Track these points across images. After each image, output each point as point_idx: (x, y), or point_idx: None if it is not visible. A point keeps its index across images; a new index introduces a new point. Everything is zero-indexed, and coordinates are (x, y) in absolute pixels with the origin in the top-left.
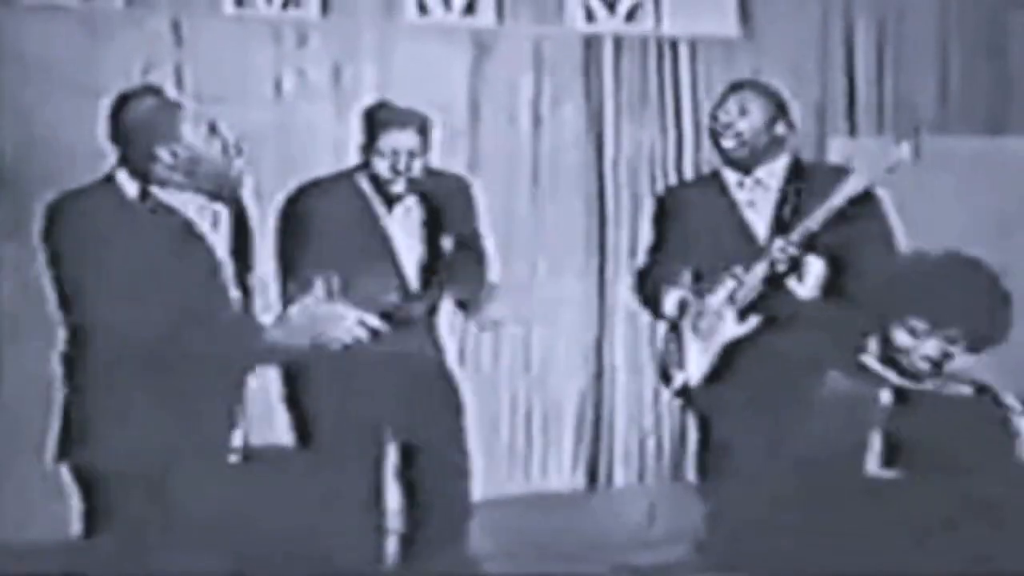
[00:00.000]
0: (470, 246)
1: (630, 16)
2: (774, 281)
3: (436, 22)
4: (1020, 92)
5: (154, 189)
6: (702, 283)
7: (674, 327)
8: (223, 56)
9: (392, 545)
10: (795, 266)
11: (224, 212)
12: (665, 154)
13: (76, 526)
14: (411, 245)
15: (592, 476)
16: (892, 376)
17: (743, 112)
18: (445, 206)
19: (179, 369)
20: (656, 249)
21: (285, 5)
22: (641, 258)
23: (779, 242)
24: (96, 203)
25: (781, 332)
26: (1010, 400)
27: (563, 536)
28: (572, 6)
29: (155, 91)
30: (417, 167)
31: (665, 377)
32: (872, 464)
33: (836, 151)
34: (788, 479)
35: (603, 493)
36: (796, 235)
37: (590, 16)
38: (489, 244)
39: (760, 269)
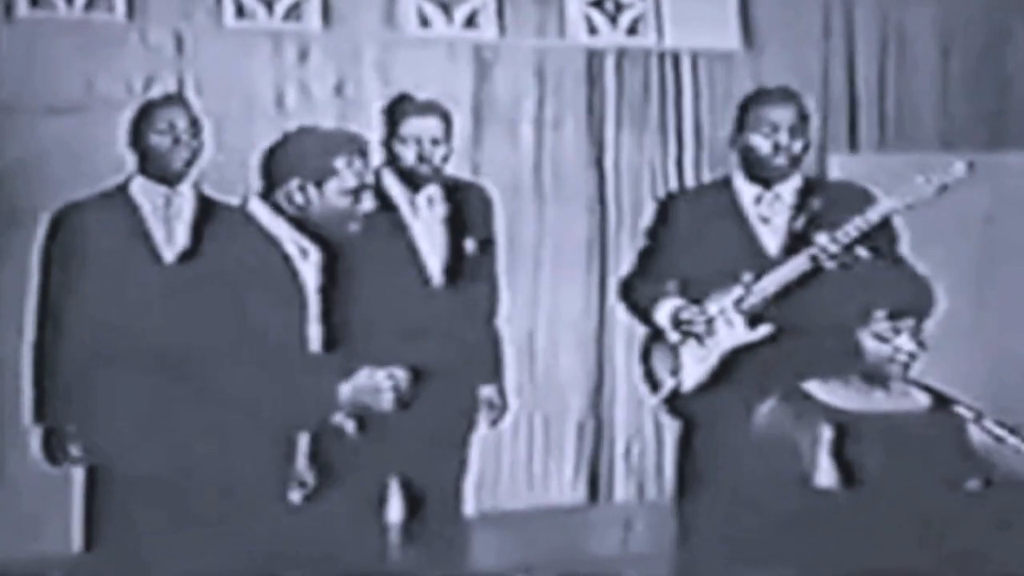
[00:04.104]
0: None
1: (632, 30)
2: (791, 288)
3: (438, 35)
4: (1022, 107)
5: (253, 207)
6: (693, 292)
7: (658, 335)
8: (225, 69)
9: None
10: (846, 264)
11: (313, 249)
12: (666, 167)
13: (77, 539)
14: (434, 243)
15: (593, 489)
16: (836, 401)
17: (782, 120)
18: (467, 209)
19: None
20: (648, 255)
21: (286, 18)
22: (631, 262)
23: (822, 239)
24: (105, 211)
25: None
26: (962, 410)
27: (563, 550)
28: (574, 19)
29: (181, 99)
30: (440, 154)
31: (652, 384)
32: (823, 480)
33: (837, 167)
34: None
35: (604, 507)
36: (841, 235)
37: (592, 30)
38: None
39: (777, 276)
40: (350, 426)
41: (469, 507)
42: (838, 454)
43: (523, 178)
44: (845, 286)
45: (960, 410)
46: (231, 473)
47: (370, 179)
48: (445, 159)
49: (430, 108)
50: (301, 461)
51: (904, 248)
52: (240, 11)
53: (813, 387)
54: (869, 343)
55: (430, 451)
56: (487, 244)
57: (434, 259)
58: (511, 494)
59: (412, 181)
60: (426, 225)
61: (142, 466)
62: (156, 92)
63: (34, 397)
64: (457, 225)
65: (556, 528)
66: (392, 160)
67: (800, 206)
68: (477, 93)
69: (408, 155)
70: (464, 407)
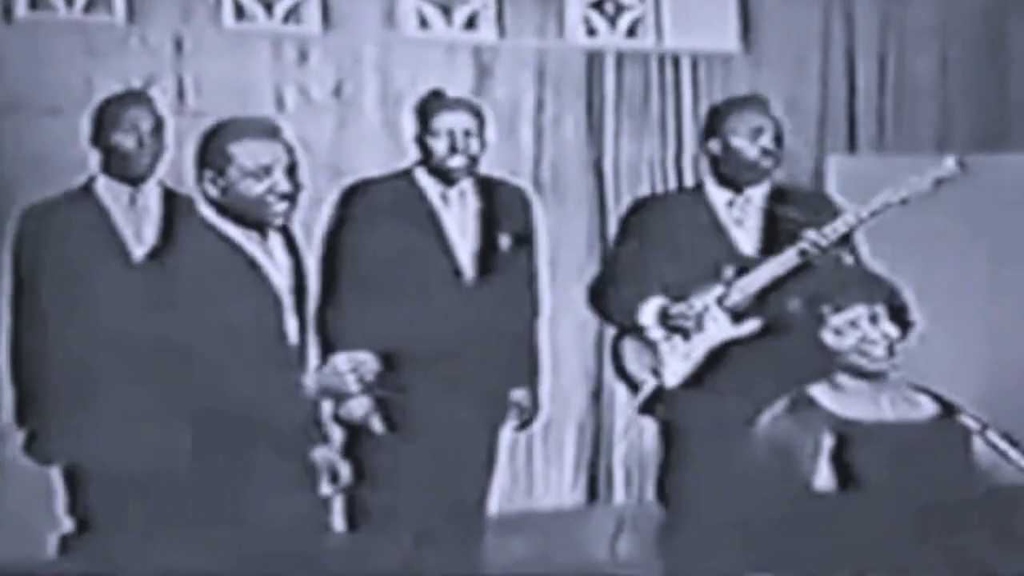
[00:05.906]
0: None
1: (631, 31)
2: (774, 286)
3: (437, 37)
4: (1021, 110)
5: (202, 209)
6: (673, 293)
7: (639, 333)
8: (224, 71)
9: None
10: (836, 258)
11: (267, 240)
12: (665, 168)
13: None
14: (466, 237)
15: (592, 491)
16: (842, 410)
17: (764, 126)
18: (503, 207)
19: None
20: (616, 261)
21: (286, 20)
22: (597, 268)
23: (811, 234)
24: (72, 210)
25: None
26: (968, 420)
27: (563, 551)
28: (573, 21)
29: (145, 97)
30: (474, 146)
31: (632, 386)
32: (822, 484)
33: (836, 168)
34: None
35: (603, 509)
36: (830, 230)
37: (591, 31)
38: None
39: (763, 272)
40: (377, 424)
41: (492, 509)
42: (839, 461)
43: (522, 179)
44: (804, 283)
45: (966, 420)
46: (215, 472)
47: (282, 160)
48: (481, 149)
49: (461, 104)
50: (331, 454)
51: (903, 249)
52: (240, 13)
53: (818, 393)
54: (829, 338)
55: (454, 453)
56: (523, 240)
57: (465, 253)
58: (510, 496)
59: (446, 177)
60: (458, 219)
61: (121, 464)
62: (155, 93)
63: (15, 398)
64: (492, 223)
65: (556, 530)
66: (426, 159)
67: (770, 211)
68: (477, 94)
69: (440, 147)
70: (492, 407)
